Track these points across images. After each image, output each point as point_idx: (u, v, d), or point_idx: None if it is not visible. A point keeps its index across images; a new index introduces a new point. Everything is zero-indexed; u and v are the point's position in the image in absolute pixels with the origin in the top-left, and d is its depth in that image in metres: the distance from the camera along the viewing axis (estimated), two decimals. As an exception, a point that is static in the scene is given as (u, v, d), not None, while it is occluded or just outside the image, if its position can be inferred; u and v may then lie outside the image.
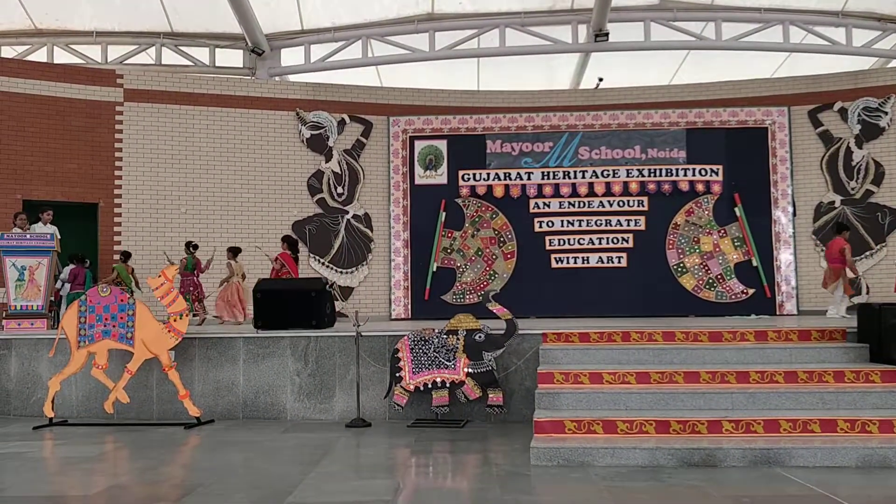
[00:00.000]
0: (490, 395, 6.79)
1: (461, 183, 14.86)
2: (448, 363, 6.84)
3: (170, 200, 14.22)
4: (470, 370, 6.81)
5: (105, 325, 7.44)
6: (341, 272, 14.79)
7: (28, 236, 11.01)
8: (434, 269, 14.71)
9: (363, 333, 7.01)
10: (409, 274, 14.84)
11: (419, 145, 15.09)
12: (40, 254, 10.78)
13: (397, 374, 6.90)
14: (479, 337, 6.87)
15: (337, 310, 8.31)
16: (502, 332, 6.88)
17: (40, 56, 15.14)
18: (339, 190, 14.94)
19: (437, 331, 6.95)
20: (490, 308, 6.90)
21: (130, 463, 5.92)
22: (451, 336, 6.90)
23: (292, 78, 15.95)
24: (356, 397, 6.96)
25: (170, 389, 7.51)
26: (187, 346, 7.48)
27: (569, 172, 14.82)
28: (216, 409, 7.50)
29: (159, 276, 7.36)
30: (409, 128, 15.13)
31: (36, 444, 6.69)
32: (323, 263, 14.73)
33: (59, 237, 11.47)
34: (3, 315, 10.70)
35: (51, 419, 7.53)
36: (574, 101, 15.55)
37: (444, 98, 15.52)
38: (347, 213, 14.93)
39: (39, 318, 10.75)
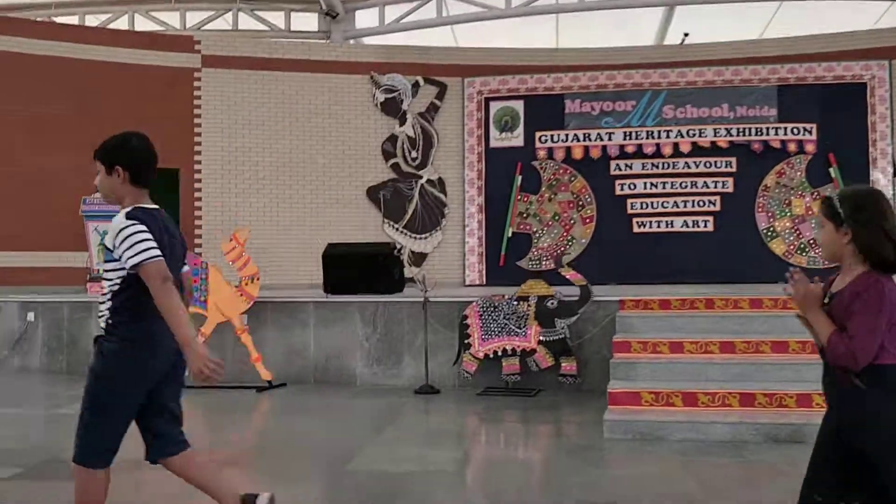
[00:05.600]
0: (563, 364, 6.53)
1: (538, 145, 14.46)
2: (519, 330, 6.60)
3: (247, 167, 14.31)
4: (542, 338, 6.56)
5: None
6: (415, 237, 14.66)
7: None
8: (509, 235, 14.41)
9: (431, 299, 6.84)
10: (484, 239, 14.58)
11: (494, 106, 14.72)
12: (121, 219, 11.00)
13: (466, 342, 6.72)
14: (552, 303, 6.60)
15: (409, 276, 8.15)
16: (576, 298, 6.59)
17: (122, 24, 15.39)
18: (413, 154, 14.75)
19: (507, 297, 6.72)
20: (563, 274, 6.62)
21: (199, 426, 5.92)
22: (521, 302, 6.66)
23: (367, 40, 15.78)
24: (425, 364, 6.81)
25: (243, 352, 7.53)
26: (259, 309, 7.47)
27: (652, 132, 14.23)
28: (288, 373, 7.48)
29: (230, 239, 7.34)
30: (484, 89, 14.77)
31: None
32: (397, 229, 14.62)
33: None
34: (87, 278, 10.99)
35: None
36: (658, 58, 14.86)
37: (520, 57, 15.08)
38: (421, 177, 14.75)
39: (121, 281, 11.03)
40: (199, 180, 14.19)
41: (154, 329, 3.22)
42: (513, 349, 6.57)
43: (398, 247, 7.68)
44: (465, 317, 6.73)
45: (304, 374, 7.48)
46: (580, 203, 14.36)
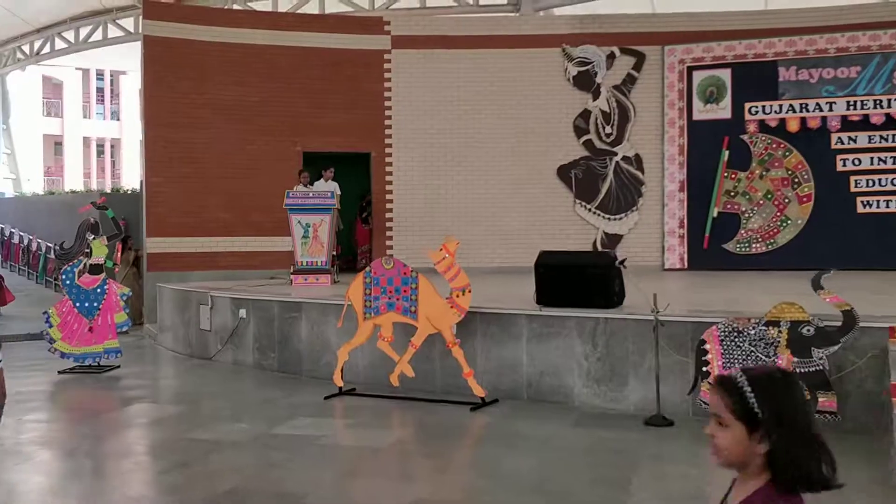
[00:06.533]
0: (820, 400, 5.72)
1: (748, 117, 13.24)
2: (767, 359, 5.85)
3: (436, 148, 14.06)
4: (796, 369, 5.77)
5: (389, 298, 7.28)
6: (609, 219, 13.92)
7: (311, 194, 11.33)
8: (715, 215, 13.36)
9: (662, 318, 6.20)
10: (686, 220, 13.62)
11: (698, 76, 13.61)
12: (322, 211, 11.08)
13: (704, 369, 6.04)
14: (808, 330, 5.78)
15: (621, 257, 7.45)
16: (838, 325, 5.73)
17: (312, 8, 15.48)
18: (608, 130, 13.94)
19: (753, 321, 5.96)
20: (822, 297, 5.77)
21: (422, 460, 5.68)
22: (771, 328, 5.88)
23: (557, 11, 15.01)
24: (655, 390, 6.21)
25: (453, 364, 7.23)
26: (469, 320, 7.13)
27: (881, 101, 12.65)
28: (500, 388, 7.12)
29: (440, 249, 7.01)
30: (686, 57, 13.67)
31: (328, 423, 6.71)
32: (589, 210, 13.93)
33: (339, 194, 11.73)
34: (291, 270, 11.17)
35: (340, 388, 7.59)
36: (888, 17, 13.11)
37: (726, 21, 13.80)
38: (616, 154, 13.93)
39: (323, 273, 11.13)
40: (390, 164, 14.11)
41: None
42: (760, 381, 5.81)
43: (622, 258, 7.04)
44: (704, 341, 6.05)
45: (516, 390, 7.09)
46: (796, 180, 13.05)
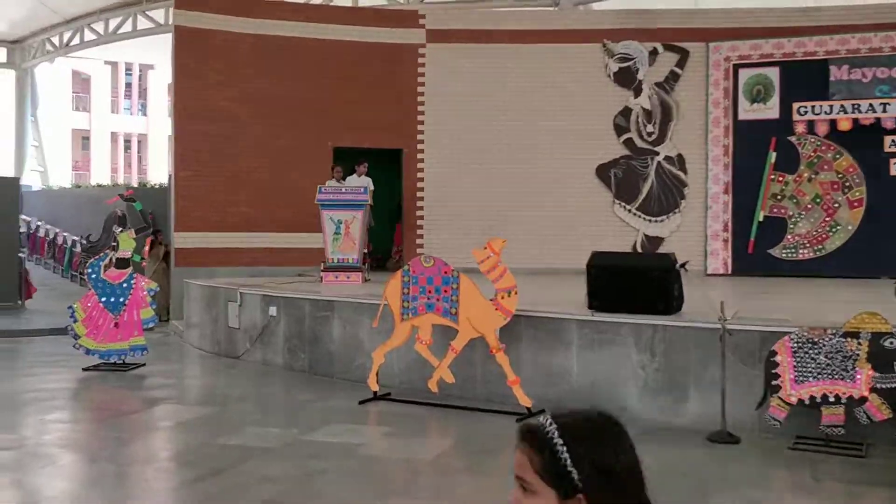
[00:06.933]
0: (905, 419, 5.25)
1: (796, 117, 12.69)
2: (845, 374, 5.38)
3: (470, 145, 13.64)
4: (876, 384, 5.30)
5: (428, 298, 6.88)
6: (649, 220, 13.43)
7: (343, 190, 10.96)
8: (760, 219, 12.83)
9: (729, 326, 5.74)
10: (730, 223, 13.09)
11: (745, 74, 13.08)
12: (354, 207, 10.70)
13: (774, 383, 5.58)
14: (891, 343, 5.31)
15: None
16: (925, 338, 5.26)
17: (345, 0, 15.13)
18: (649, 128, 13.45)
19: (829, 332, 5.49)
20: (908, 307, 5.30)
21: (466, 478, 5.26)
22: (849, 340, 5.41)
23: (597, 6, 14.54)
24: (719, 404, 5.75)
25: (495, 370, 6.82)
26: (513, 324, 6.71)
27: (939, 102, 12.05)
28: (546, 398, 6.68)
29: (485, 247, 6.59)
30: (732, 55, 13.15)
31: (364, 430, 6.32)
32: (629, 210, 13.46)
33: (372, 189, 11.35)
34: (322, 267, 10.80)
35: (375, 393, 7.20)
36: (949, 13, 12.56)
37: (775, 18, 13.29)
38: (658, 154, 13.44)
39: (354, 271, 10.75)
40: (422, 160, 13.72)
41: None
42: (836, 396, 5.36)
43: (681, 261, 6.58)
44: (774, 353, 5.59)
45: (565, 400, 6.65)
46: (847, 184, 12.49)
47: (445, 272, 6.87)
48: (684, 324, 6.19)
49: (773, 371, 5.59)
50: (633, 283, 6.42)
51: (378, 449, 5.74)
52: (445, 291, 6.84)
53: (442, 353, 6.91)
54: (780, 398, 5.55)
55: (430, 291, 6.88)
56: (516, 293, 6.54)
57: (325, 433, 5.99)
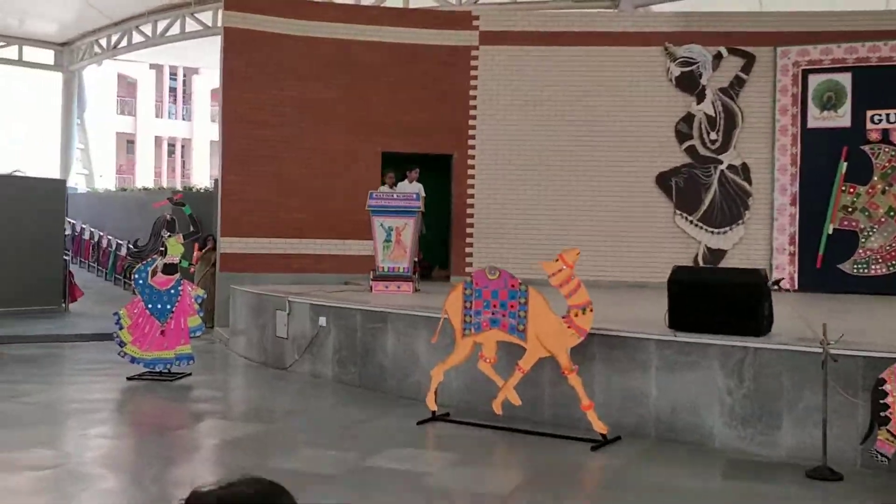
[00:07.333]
0: None
1: (869, 126, 12.05)
2: (969, 408, 4.81)
3: (524, 151, 13.17)
4: None
5: (493, 313, 6.41)
6: (712, 232, 12.83)
7: (395, 196, 10.56)
8: (830, 232, 12.18)
9: (833, 352, 5.19)
10: (797, 236, 12.45)
11: (814, 80, 12.45)
12: (406, 214, 10.30)
13: (883, 414, 5.02)
14: None
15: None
16: None
17: (396, 2, 14.78)
18: (713, 136, 12.86)
19: (950, 360, 4.92)
20: None
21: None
22: (973, 369, 4.84)
23: (658, 8, 14.01)
24: (818, 437, 5.21)
25: (564, 392, 6.34)
26: (584, 342, 6.19)
27: None
28: (622, 423, 6.19)
29: (556, 259, 6.12)
30: (801, 59, 12.53)
31: (427, 456, 5.87)
32: (690, 221, 12.87)
33: (424, 196, 10.95)
34: (371, 276, 10.41)
35: (434, 413, 6.75)
36: None
37: (847, 21, 12.63)
38: (721, 162, 12.85)
39: (405, 280, 10.34)
40: (473, 166, 13.28)
41: None
42: (960, 432, 4.78)
43: (774, 280, 6.05)
44: (883, 381, 5.04)
45: (642, 426, 6.15)
46: (924, 197, 11.79)
47: (512, 285, 6.40)
48: (777, 346, 5.65)
49: (882, 401, 5.03)
50: (719, 301, 5.90)
51: (446, 479, 5.26)
52: (512, 306, 6.37)
53: (507, 373, 6.45)
54: (888, 431, 4.99)
55: (494, 306, 6.42)
56: (591, 310, 6.05)
57: (387, 458, 5.55)
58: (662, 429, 6.09)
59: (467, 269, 13.12)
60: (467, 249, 13.23)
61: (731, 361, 5.79)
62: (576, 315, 6.08)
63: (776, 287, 6.10)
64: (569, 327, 6.09)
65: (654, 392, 6.12)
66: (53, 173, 23.70)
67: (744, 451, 5.71)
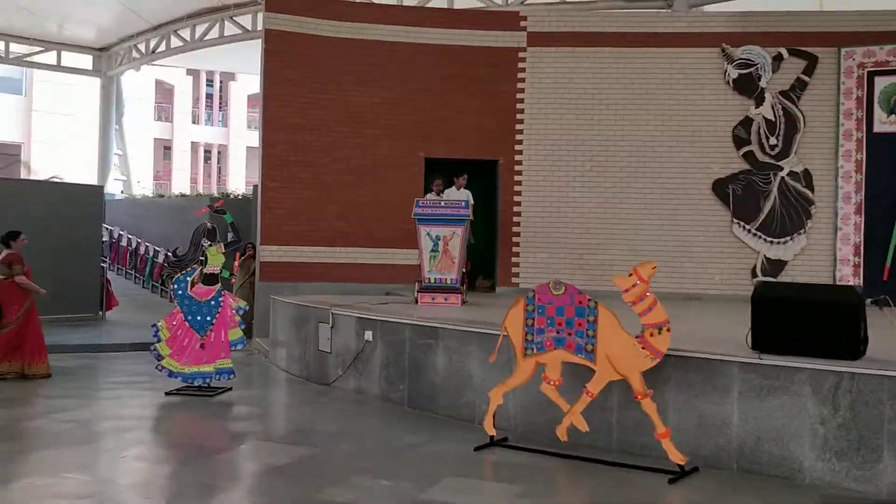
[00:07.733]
0: None
1: (941, 131, 11.38)
2: None
3: (573, 156, 12.68)
4: None
5: (558, 332, 5.93)
6: (771, 242, 12.23)
7: (442, 204, 10.12)
8: (898, 243, 11.54)
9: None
10: (862, 247, 11.82)
11: (881, 83, 11.84)
12: (454, 223, 9.86)
13: None
14: None
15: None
16: None
17: (440, 2, 14.38)
18: (773, 141, 12.27)
19: None
20: None
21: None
22: None
23: (713, 8, 13.44)
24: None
25: (635, 417, 5.85)
26: (658, 364, 5.67)
27: None
28: (699, 453, 5.67)
29: (630, 274, 5.62)
30: (867, 61, 11.91)
31: (488, 488, 5.40)
32: (748, 231, 12.27)
33: (472, 203, 10.51)
34: (417, 288, 9.98)
35: (492, 438, 6.28)
36: None
37: (917, 20, 11.97)
38: (781, 169, 12.25)
39: (453, 292, 9.89)
40: (520, 172, 12.82)
41: None
42: None
43: (877, 296, 5.49)
44: None
45: (721, 456, 5.63)
46: None
47: (580, 302, 5.91)
48: (879, 372, 5.10)
49: None
50: (810, 321, 5.36)
51: (511, 516, 4.81)
52: (579, 325, 5.87)
53: (572, 396, 5.96)
54: None
55: (560, 324, 5.93)
56: (668, 329, 5.54)
57: (444, 490, 5.09)
58: (745, 461, 5.56)
59: (513, 280, 12.69)
60: (513, 259, 12.76)
61: (825, 387, 5.24)
62: (651, 335, 5.57)
63: (878, 306, 5.51)
64: (643, 348, 5.59)
65: (735, 419, 5.59)
66: (91, 179, 23.66)
67: (838, 486, 5.17)
